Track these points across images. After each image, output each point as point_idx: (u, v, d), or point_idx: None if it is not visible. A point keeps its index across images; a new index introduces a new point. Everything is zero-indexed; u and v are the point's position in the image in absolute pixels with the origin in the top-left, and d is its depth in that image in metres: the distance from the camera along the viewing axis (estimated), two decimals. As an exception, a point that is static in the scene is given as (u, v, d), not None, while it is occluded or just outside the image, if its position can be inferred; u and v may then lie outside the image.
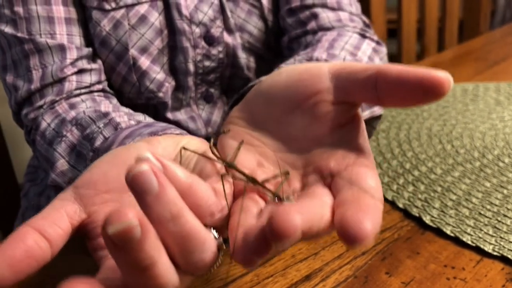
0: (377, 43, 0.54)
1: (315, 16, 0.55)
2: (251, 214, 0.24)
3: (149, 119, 0.40)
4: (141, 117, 0.41)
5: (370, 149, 0.26)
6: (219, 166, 0.27)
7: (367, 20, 0.58)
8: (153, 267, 0.21)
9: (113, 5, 0.49)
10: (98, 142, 0.37)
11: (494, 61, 0.82)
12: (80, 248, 0.28)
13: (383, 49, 0.54)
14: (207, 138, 0.32)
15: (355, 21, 0.56)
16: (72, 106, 0.45)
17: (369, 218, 0.21)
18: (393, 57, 1.19)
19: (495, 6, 2.48)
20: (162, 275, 0.21)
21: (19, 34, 0.45)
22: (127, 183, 0.21)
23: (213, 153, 0.27)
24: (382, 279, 0.33)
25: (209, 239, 0.23)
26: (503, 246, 0.35)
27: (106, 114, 0.40)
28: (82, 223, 0.26)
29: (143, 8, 0.50)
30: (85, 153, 0.38)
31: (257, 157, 0.28)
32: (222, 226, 0.25)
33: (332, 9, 0.56)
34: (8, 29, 0.46)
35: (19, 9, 0.45)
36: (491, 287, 0.32)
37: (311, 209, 0.21)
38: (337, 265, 0.35)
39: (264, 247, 0.21)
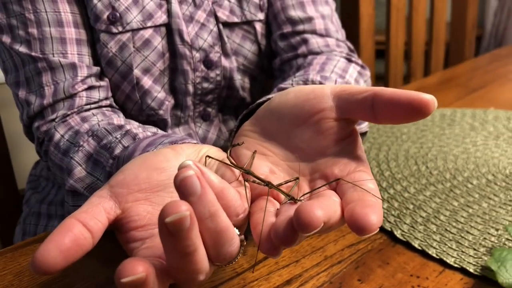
0: (362, 67, 0.59)
1: (305, 41, 0.60)
2: (270, 213, 0.29)
3: (162, 131, 0.44)
4: (154, 129, 0.45)
5: (366, 158, 0.32)
6: (237, 172, 0.32)
7: (351, 46, 0.63)
8: (195, 253, 0.24)
9: (120, 28, 0.53)
10: (117, 151, 0.41)
11: (473, 88, 0.87)
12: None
13: (367, 72, 0.59)
14: (222, 147, 0.37)
15: (341, 47, 0.62)
16: (84, 119, 0.49)
17: (375, 213, 0.25)
18: (381, 78, 1.24)
19: (483, 32, 2.56)
20: (200, 261, 0.25)
21: (33, 53, 0.49)
22: (176, 185, 0.25)
23: (230, 161, 0.32)
24: (355, 285, 0.37)
25: (236, 236, 0.27)
26: (464, 259, 0.39)
27: (120, 127, 0.45)
28: (116, 218, 0.29)
29: (147, 33, 0.54)
30: (103, 160, 0.42)
31: (269, 165, 0.33)
32: (242, 225, 0.29)
33: (321, 35, 0.61)
34: (22, 49, 0.50)
35: (33, 31, 0.49)
36: (449, 295, 0.36)
37: (327, 206, 0.26)
38: (315, 272, 0.39)
39: (291, 237, 0.25)
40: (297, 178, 0.32)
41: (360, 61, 0.60)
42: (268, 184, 0.31)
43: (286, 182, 0.31)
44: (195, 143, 0.37)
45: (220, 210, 0.26)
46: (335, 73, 0.53)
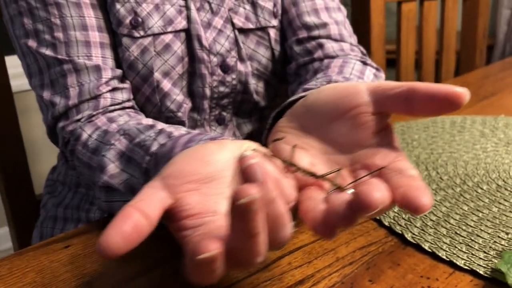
0: (377, 69, 0.61)
1: (321, 46, 0.63)
2: (320, 201, 0.31)
3: (194, 130, 0.46)
4: (185, 128, 0.46)
5: (402, 148, 0.34)
6: (280, 166, 0.34)
7: (364, 50, 0.66)
8: (259, 235, 0.26)
9: (142, 33, 0.55)
10: (154, 148, 0.42)
11: (484, 95, 0.87)
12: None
13: (382, 75, 0.61)
14: (262, 144, 0.39)
15: (355, 51, 0.64)
16: (111, 120, 0.51)
17: (426, 194, 0.28)
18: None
19: (495, 41, 2.55)
20: (263, 243, 0.26)
21: (59, 56, 0.52)
22: (242, 170, 0.27)
23: (273, 155, 0.34)
24: (366, 285, 0.38)
25: (289, 222, 0.29)
26: (473, 261, 0.40)
27: (152, 126, 0.46)
28: (169, 207, 0.31)
29: (168, 38, 0.56)
30: (137, 158, 0.43)
31: (309, 158, 0.35)
32: (290, 214, 0.31)
33: (335, 40, 0.63)
34: (48, 52, 0.52)
35: (59, 35, 0.52)
36: (459, 295, 0.37)
37: (384, 190, 0.28)
38: (327, 273, 0.40)
39: (351, 218, 0.27)
40: (340, 169, 0.33)
41: (374, 64, 0.62)
42: (313, 174, 0.33)
43: (329, 173, 0.33)
44: (235, 139, 0.38)
45: (278, 197, 0.28)
46: (354, 75, 0.56)
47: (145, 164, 0.43)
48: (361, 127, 0.33)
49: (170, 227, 0.32)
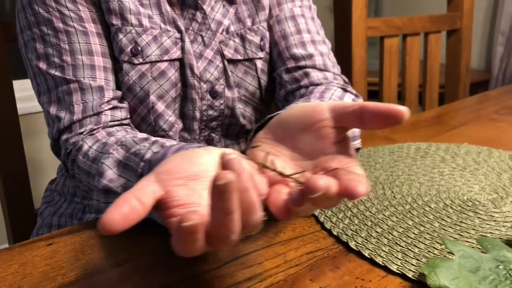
0: (355, 95, 0.68)
1: (307, 75, 0.70)
2: (283, 193, 0.37)
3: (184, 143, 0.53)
4: (173, 140, 0.52)
5: (356, 155, 0.41)
6: (255, 166, 0.40)
7: (346, 79, 0.74)
8: (233, 213, 0.31)
9: (140, 60, 0.63)
10: (148, 155, 0.49)
11: (454, 125, 0.93)
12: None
13: (360, 100, 0.68)
14: (242, 151, 0.45)
15: (338, 79, 0.72)
16: (110, 134, 0.58)
17: (363, 184, 0.34)
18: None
19: (490, 77, 2.63)
20: (237, 220, 0.32)
21: (66, 77, 0.59)
22: (223, 163, 0.33)
23: (250, 159, 0.41)
24: (306, 283, 0.43)
25: (260, 209, 0.34)
26: (405, 267, 0.45)
27: (146, 138, 0.53)
28: (161, 197, 0.36)
29: (163, 65, 0.64)
30: (132, 165, 0.50)
31: (280, 163, 0.41)
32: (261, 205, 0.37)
33: (320, 69, 0.71)
34: (57, 73, 0.59)
35: (68, 58, 0.59)
36: (387, 294, 0.42)
37: (329, 180, 0.34)
38: (274, 272, 0.45)
39: (300, 201, 0.34)
40: (303, 171, 0.40)
41: (354, 91, 0.70)
42: (281, 173, 0.39)
43: (295, 173, 0.40)
44: (219, 148, 0.45)
45: (252, 187, 0.33)
46: (332, 100, 0.62)
47: (140, 169, 0.49)
48: (323, 138, 0.40)
49: (160, 215, 0.37)
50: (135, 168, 0.50)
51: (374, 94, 1.24)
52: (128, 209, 0.32)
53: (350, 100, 0.65)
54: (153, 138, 0.53)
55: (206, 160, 0.39)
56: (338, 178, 0.36)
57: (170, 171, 0.38)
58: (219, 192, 0.30)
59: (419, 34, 1.27)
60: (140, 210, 0.33)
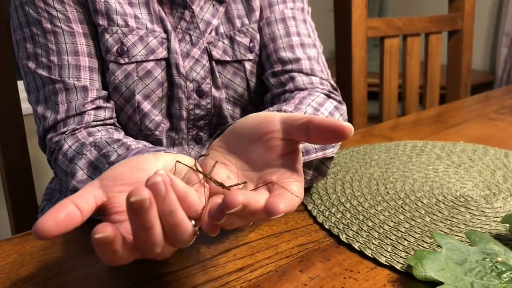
0: (339, 102, 0.68)
1: (292, 79, 0.70)
2: (215, 205, 0.36)
3: (152, 145, 0.53)
4: (146, 143, 0.54)
5: (302, 170, 0.40)
6: (201, 176, 0.40)
7: (334, 84, 0.73)
8: (152, 229, 0.32)
9: (126, 60, 0.64)
10: (113, 157, 0.50)
11: (451, 124, 0.94)
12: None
13: (344, 107, 0.67)
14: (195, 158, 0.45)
15: (324, 85, 0.71)
16: (90, 134, 0.59)
17: (283, 202, 0.33)
18: (375, 118, 1.32)
19: (494, 78, 2.63)
20: (156, 235, 0.33)
21: (52, 76, 0.60)
22: (147, 187, 0.32)
23: (196, 168, 0.41)
24: (295, 274, 0.44)
25: (189, 228, 0.34)
26: (394, 259, 0.46)
27: (118, 140, 0.54)
28: (102, 204, 0.37)
29: (149, 65, 0.65)
30: (101, 166, 0.51)
31: (227, 172, 0.41)
32: (200, 218, 0.37)
33: (306, 74, 0.71)
34: (44, 73, 0.61)
35: (54, 58, 0.60)
36: (374, 285, 0.43)
37: (250, 194, 0.34)
38: (265, 263, 0.46)
39: (218, 216, 0.33)
40: (245, 182, 0.40)
41: (338, 98, 0.69)
42: (221, 184, 0.39)
43: (236, 184, 0.39)
44: (173, 153, 0.46)
45: (178, 209, 0.33)
46: (311, 106, 0.62)
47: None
48: (271, 150, 0.39)
49: (104, 220, 0.38)
50: (102, 170, 0.50)
51: (375, 95, 1.25)
52: (63, 215, 0.32)
53: (332, 107, 0.64)
54: (124, 140, 0.54)
55: (153, 166, 0.40)
56: (270, 192, 0.36)
57: (115, 177, 0.38)
58: (133, 209, 0.31)
59: (420, 34, 1.28)
60: (77, 217, 0.34)
